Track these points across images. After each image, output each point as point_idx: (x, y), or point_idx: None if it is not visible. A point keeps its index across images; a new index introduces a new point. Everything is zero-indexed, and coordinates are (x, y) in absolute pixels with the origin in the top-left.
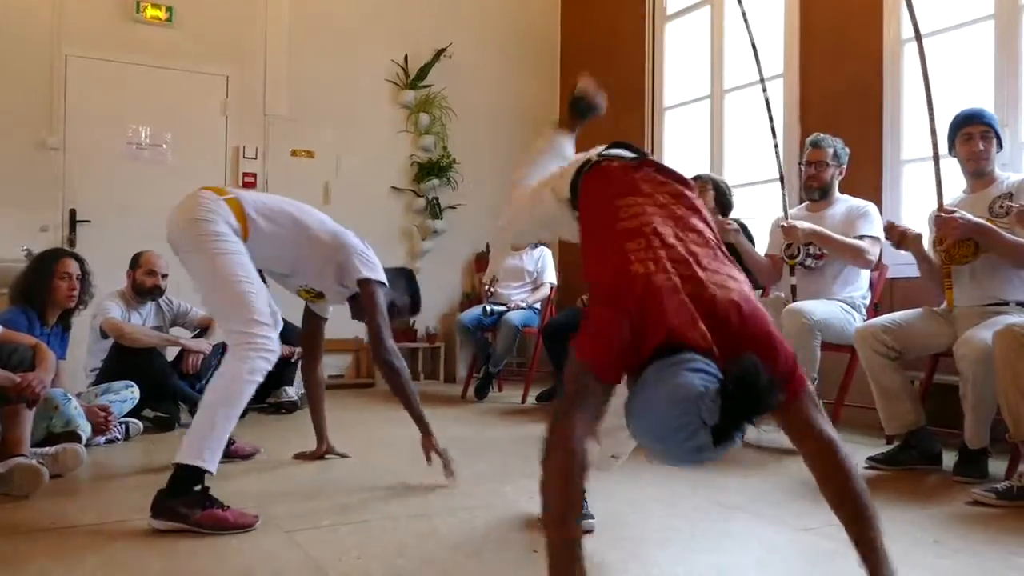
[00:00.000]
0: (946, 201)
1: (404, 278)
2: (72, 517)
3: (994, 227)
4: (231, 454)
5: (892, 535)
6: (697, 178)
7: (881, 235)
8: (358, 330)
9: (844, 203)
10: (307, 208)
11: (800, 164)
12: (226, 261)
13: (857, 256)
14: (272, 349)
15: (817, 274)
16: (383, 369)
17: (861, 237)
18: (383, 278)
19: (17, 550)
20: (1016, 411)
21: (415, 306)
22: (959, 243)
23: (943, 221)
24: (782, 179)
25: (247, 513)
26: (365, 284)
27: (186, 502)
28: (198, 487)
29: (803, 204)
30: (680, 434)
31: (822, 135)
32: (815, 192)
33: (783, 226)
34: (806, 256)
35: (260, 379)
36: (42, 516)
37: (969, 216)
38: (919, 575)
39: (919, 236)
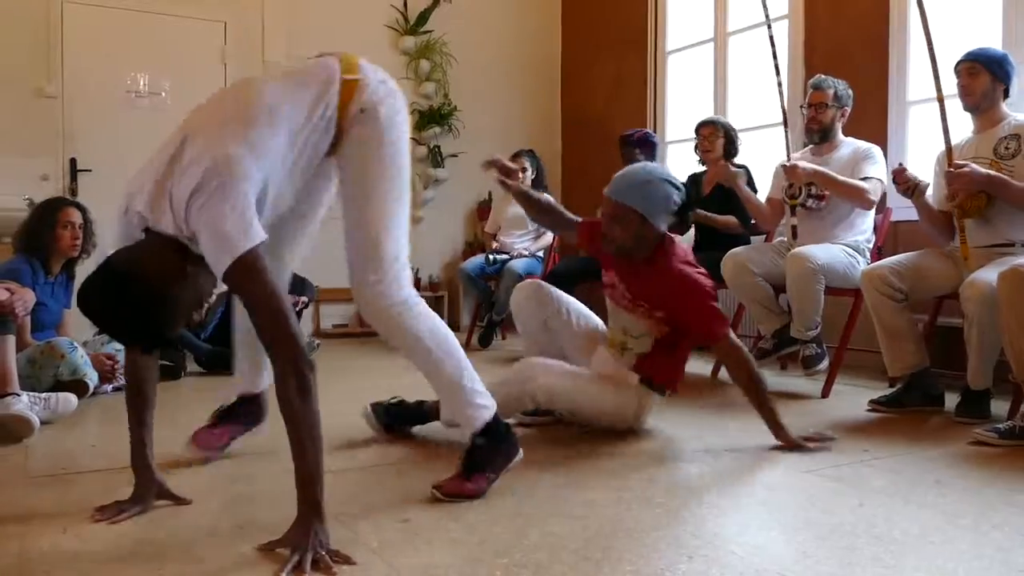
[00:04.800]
0: (953, 142)
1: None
2: (82, 463)
3: (1004, 176)
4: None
5: (895, 475)
6: (709, 123)
7: (884, 176)
8: None
9: (849, 146)
10: None
11: (802, 107)
12: None
13: (859, 196)
14: None
15: (819, 216)
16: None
17: (865, 179)
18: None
19: (27, 495)
20: (1019, 351)
21: None
22: (971, 196)
23: (954, 176)
24: (785, 119)
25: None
26: None
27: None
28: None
29: (807, 148)
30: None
31: (823, 76)
32: (816, 135)
33: (785, 166)
34: (807, 197)
35: None
36: (52, 462)
37: (979, 169)
38: (921, 514)
39: (925, 188)
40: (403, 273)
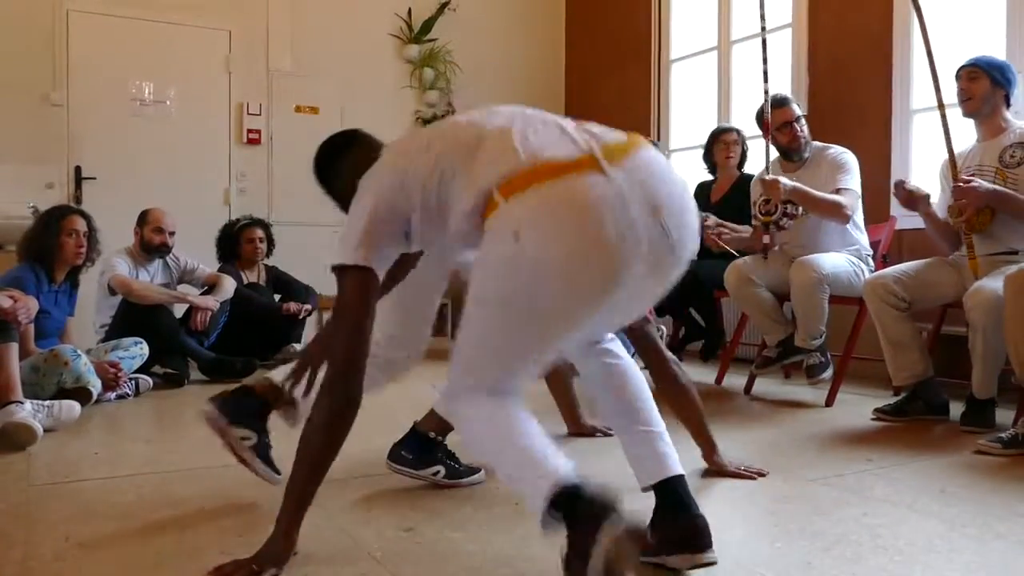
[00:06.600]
0: (957, 150)
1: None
2: (85, 472)
3: (1007, 191)
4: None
5: (899, 484)
6: (733, 130)
7: (858, 188)
8: None
9: (819, 153)
10: None
11: (771, 131)
12: None
13: (837, 213)
14: None
15: (794, 233)
16: None
17: (838, 191)
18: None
19: (30, 503)
20: (1023, 353)
21: None
22: (978, 211)
23: (962, 192)
24: (766, 131)
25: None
26: None
27: None
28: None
29: (774, 160)
30: None
31: (781, 93)
32: (799, 153)
33: (766, 180)
34: (782, 215)
35: None
36: (55, 470)
37: (985, 184)
38: (926, 523)
39: (927, 196)
40: (471, 380)
